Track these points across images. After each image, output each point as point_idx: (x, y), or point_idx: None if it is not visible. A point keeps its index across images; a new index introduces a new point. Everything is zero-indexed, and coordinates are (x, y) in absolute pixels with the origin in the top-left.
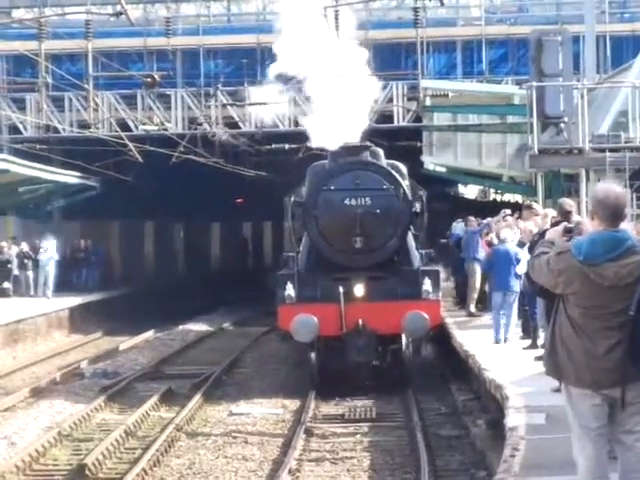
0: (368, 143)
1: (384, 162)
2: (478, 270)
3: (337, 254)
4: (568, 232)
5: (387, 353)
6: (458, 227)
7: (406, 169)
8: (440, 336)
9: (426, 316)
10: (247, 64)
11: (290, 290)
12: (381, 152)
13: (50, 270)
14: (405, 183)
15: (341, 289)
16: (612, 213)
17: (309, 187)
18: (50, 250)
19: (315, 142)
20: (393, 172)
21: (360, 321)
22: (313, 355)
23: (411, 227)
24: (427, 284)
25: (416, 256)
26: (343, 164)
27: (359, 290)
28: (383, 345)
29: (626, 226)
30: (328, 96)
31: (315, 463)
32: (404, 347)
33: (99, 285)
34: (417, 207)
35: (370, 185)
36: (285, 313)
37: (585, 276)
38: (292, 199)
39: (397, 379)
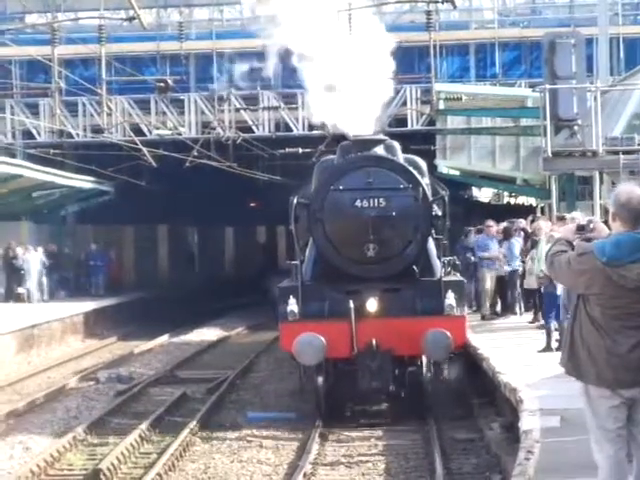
0: (382, 136)
1: (401, 157)
2: (490, 274)
3: (347, 263)
4: (581, 230)
5: (405, 377)
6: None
7: (426, 165)
8: None
9: (449, 335)
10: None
11: (293, 305)
12: (397, 146)
13: (33, 276)
14: (425, 181)
15: (351, 304)
16: (636, 215)
17: (315, 186)
18: (34, 257)
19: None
20: (411, 169)
21: (374, 341)
22: (320, 380)
23: (432, 231)
24: (450, 297)
25: (437, 265)
26: (353, 160)
27: (372, 305)
28: (400, 368)
29: None
30: (341, 80)
31: (330, 467)
32: (424, 370)
33: (104, 290)
34: (438, 208)
35: (384, 184)
36: (287, 332)
37: (608, 278)
38: (295, 200)
39: (416, 407)
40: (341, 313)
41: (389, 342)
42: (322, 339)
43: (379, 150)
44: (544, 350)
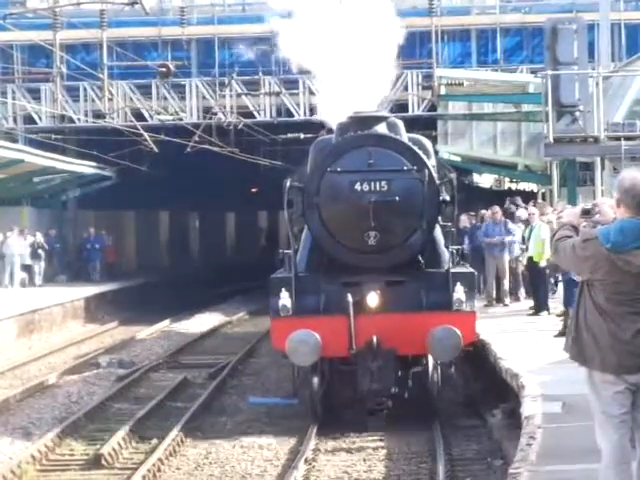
0: (384, 113)
1: (405, 137)
2: (494, 261)
3: (345, 253)
4: (586, 214)
5: (408, 378)
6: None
7: (431, 145)
8: None
9: (458, 332)
10: (262, 53)
11: (285, 299)
12: (401, 124)
13: (16, 261)
14: (431, 163)
15: (350, 297)
16: None
17: (311, 168)
18: (15, 242)
19: (324, 114)
20: (416, 149)
21: (374, 338)
22: (315, 381)
23: (439, 218)
24: (459, 291)
25: (445, 255)
26: (352, 139)
27: (373, 299)
28: (403, 368)
29: None
30: (338, 51)
31: (331, 453)
32: (430, 371)
33: (101, 275)
34: (445, 193)
35: (387, 165)
36: (279, 328)
37: (612, 263)
38: (288, 183)
39: (421, 411)
40: (338, 308)
41: (391, 340)
42: (317, 336)
43: (381, 128)
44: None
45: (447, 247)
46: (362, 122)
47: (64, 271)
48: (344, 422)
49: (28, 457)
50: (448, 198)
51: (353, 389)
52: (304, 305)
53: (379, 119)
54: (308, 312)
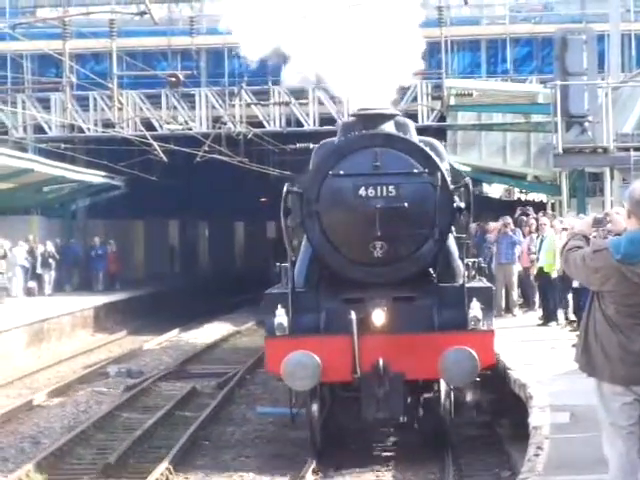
0: (393, 110)
1: (415, 137)
2: (502, 271)
3: (348, 266)
4: (598, 223)
5: (419, 406)
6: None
7: (444, 148)
8: None
9: (474, 354)
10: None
11: (281, 317)
12: (410, 123)
13: (18, 272)
14: (444, 166)
15: (354, 315)
16: None
17: (311, 171)
18: (19, 253)
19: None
20: (427, 150)
21: (381, 361)
22: (315, 409)
23: (452, 227)
24: (476, 308)
25: (460, 268)
26: (357, 138)
27: (379, 317)
28: (413, 395)
29: None
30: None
31: (339, 462)
32: (443, 397)
33: (104, 285)
34: (460, 200)
35: (395, 168)
36: (274, 350)
37: (622, 275)
38: (286, 188)
39: (432, 441)
40: (341, 327)
41: (400, 363)
42: (317, 359)
43: (388, 127)
44: None
45: (462, 259)
46: (368, 120)
47: (68, 281)
48: (347, 454)
49: (37, 466)
50: (463, 205)
51: (357, 418)
52: (302, 323)
53: (386, 117)
54: (307, 331)
